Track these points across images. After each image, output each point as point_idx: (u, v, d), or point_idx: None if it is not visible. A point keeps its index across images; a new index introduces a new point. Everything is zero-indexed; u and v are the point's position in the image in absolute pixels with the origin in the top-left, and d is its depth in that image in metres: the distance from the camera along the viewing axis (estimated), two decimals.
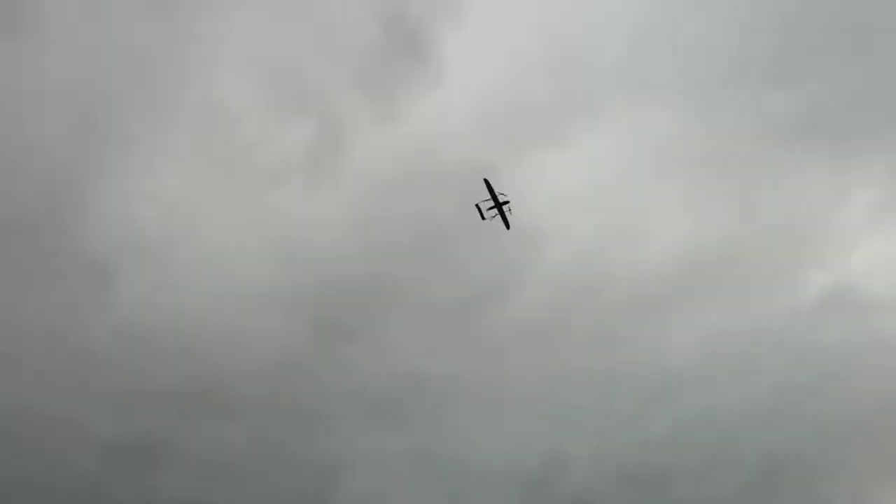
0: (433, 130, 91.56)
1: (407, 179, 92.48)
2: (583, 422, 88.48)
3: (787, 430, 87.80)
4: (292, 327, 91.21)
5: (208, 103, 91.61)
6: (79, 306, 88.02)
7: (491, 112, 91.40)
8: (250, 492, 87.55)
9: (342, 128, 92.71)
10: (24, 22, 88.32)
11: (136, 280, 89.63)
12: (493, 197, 66.71)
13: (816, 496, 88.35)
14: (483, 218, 68.30)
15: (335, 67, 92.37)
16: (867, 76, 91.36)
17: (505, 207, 67.13)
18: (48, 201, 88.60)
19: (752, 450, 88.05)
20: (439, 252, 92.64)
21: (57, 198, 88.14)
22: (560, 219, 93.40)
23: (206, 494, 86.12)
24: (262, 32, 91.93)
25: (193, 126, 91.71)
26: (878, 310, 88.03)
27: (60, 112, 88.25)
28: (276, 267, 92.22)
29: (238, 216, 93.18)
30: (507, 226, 67.93)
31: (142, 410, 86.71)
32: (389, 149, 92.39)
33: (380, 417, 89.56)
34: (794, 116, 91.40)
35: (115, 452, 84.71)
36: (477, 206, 68.23)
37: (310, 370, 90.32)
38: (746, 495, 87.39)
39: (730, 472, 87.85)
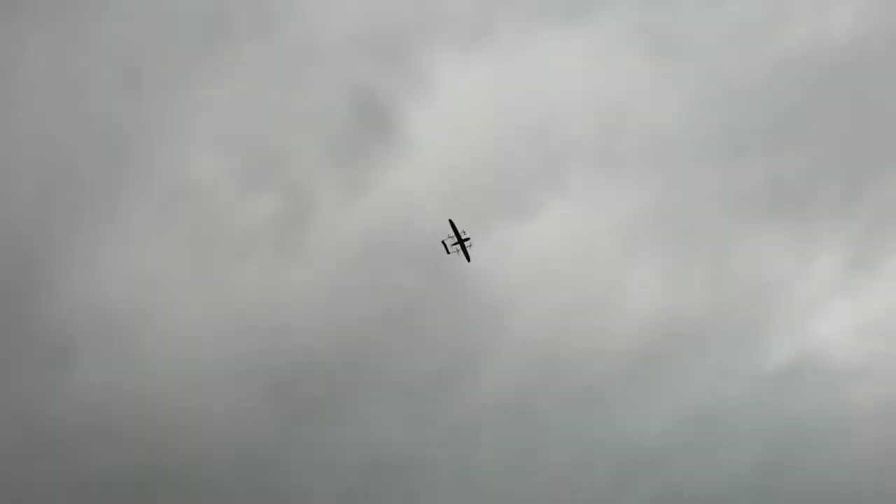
0: (401, 204, 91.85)
1: (374, 253, 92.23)
2: (559, 501, 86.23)
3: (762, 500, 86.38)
4: (258, 407, 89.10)
5: (178, 178, 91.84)
6: (36, 386, 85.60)
7: (459, 185, 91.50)
8: None
9: (311, 201, 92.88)
10: None
11: (97, 359, 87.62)
12: (457, 234, 76.76)
13: None
14: (448, 252, 77.93)
15: (304, 141, 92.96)
16: (824, 151, 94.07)
17: (467, 244, 77.17)
18: (10, 275, 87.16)
19: None
20: (407, 326, 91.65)
21: (20, 272, 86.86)
22: (530, 292, 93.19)
23: None
24: (232, 107, 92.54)
25: (162, 201, 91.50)
26: (846, 377, 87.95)
27: (29, 184, 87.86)
28: (243, 344, 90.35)
29: (206, 292, 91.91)
30: (468, 259, 77.89)
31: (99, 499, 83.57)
32: (357, 222, 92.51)
33: (348, 501, 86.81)
34: (759, 189, 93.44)
35: None
36: (443, 242, 78.04)
37: (276, 451, 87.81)
38: None
39: None
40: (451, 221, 76.37)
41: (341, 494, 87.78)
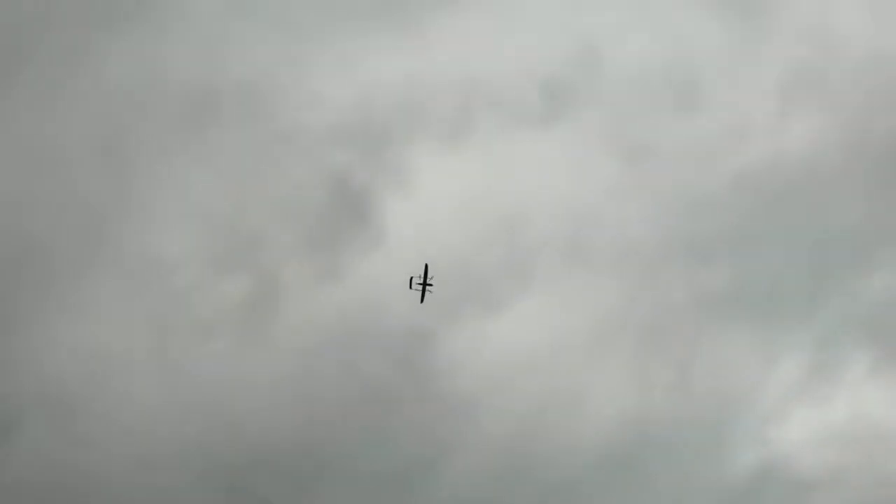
0: (371, 294, 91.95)
1: (342, 342, 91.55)
2: None
3: None
4: (214, 494, 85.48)
5: (146, 254, 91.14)
6: None
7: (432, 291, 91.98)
8: None
9: (280, 286, 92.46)
10: None
11: (44, 436, 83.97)
12: (425, 277, 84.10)
13: None
14: (410, 287, 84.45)
15: (278, 225, 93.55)
16: (787, 259, 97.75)
17: (429, 289, 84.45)
18: None
19: None
20: (373, 417, 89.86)
21: None
22: (497, 387, 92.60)
23: None
24: (207, 187, 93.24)
25: (128, 276, 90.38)
26: (811, 485, 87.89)
27: None
28: (201, 429, 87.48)
29: (165, 374, 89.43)
30: (422, 300, 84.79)
31: None
32: (326, 310, 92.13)
33: None
34: (723, 294, 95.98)
35: None
36: (411, 278, 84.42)
37: None
38: None
39: None
40: (426, 265, 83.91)
41: None
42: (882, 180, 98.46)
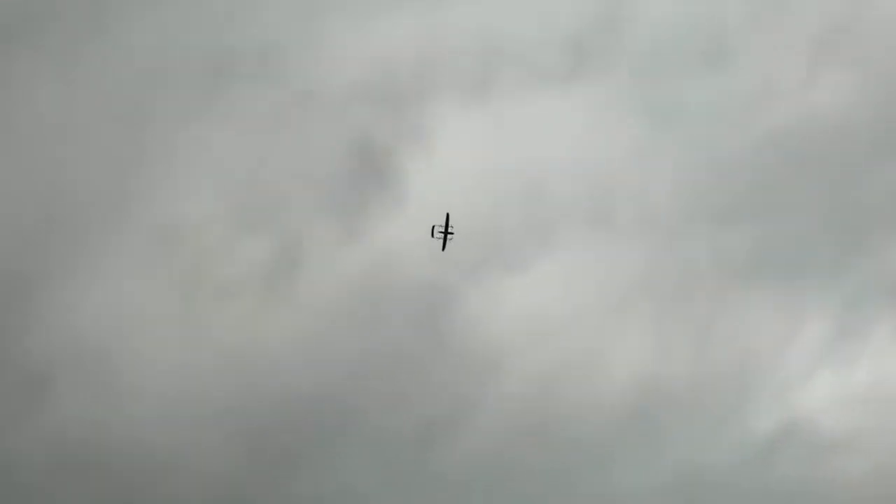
0: (393, 254, 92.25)
1: (364, 302, 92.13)
2: None
3: None
4: (237, 452, 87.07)
5: (170, 217, 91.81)
6: (7, 417, 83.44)
7: (453, 238, 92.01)
8: None
9: (303, 247, 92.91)
10: None
11: (74, 392, 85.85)
12: (446, 227, 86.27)
13: None
14: (432, 236, 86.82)
15: (300, 187, 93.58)
16: (813, 221, 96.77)
17: (449, 237, 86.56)
18: None
19: None
20: (393, 377, 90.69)
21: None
22: (516, 347, 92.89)
23: None
24: (229, 150, 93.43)
25: (152, 238, 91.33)
26: (832, 447, 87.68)
27: (18, 214, 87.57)
28: (224, 386, 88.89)
29: (190, 332, 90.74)
30: (443, 248, 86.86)
31: None
32: (348, 270, 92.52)
33: None
34: (747, 257, 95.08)
35: None
36: (433, 226, 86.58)
37: (254, 497, 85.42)
38: None
39: None
40: (447, 214, 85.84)
41: None
42: None
